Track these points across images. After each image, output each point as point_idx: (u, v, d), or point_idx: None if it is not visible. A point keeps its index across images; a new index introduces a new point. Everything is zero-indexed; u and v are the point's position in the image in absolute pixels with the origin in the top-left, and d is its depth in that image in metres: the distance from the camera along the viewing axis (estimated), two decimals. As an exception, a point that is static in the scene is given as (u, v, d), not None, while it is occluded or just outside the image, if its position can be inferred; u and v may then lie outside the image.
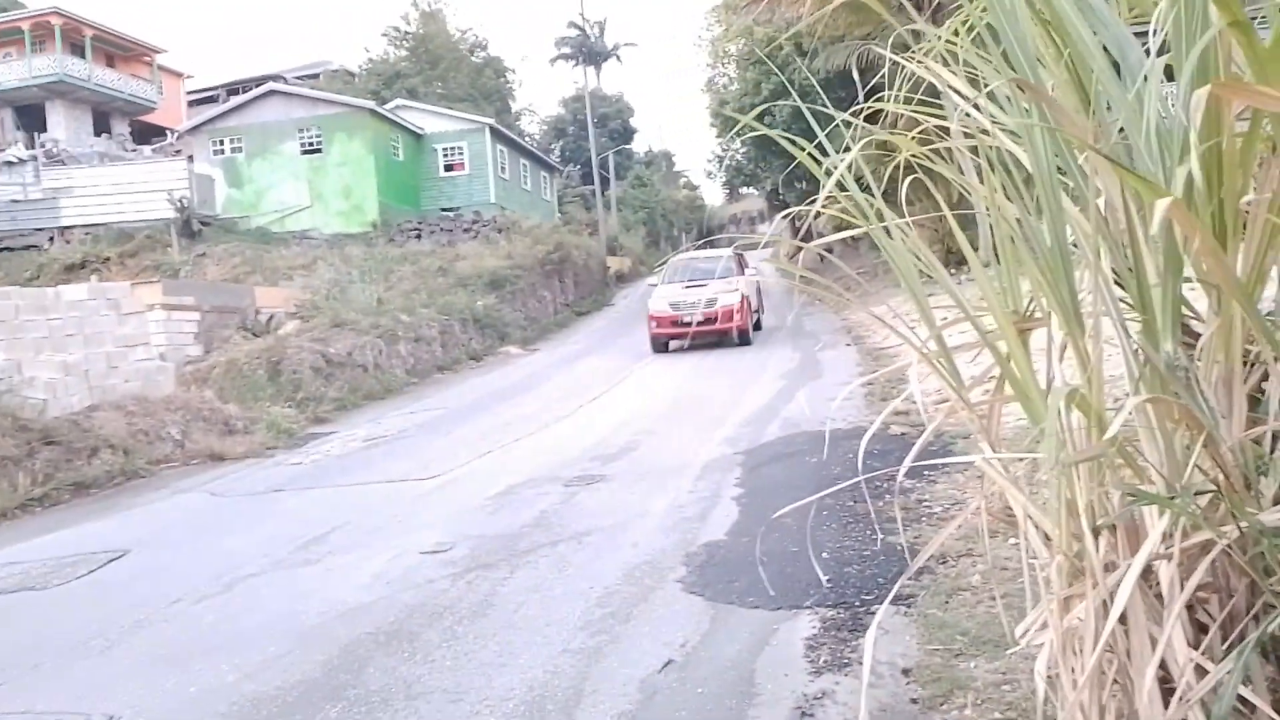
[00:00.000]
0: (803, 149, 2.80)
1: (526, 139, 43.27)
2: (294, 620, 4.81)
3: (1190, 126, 1.61)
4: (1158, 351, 2.20)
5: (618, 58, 53.69)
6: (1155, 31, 2.00)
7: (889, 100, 2.86)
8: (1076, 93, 2.41)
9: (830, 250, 3.07)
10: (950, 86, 2.64)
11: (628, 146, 56.05)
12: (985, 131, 2.48)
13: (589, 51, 51.41)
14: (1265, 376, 2.25)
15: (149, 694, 4.04)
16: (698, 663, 3.83)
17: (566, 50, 51.65)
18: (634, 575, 5.01)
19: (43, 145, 32.86)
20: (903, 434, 7.31)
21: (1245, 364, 2.22)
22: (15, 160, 29.97)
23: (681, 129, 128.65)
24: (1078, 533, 2.29)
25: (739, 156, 38.92)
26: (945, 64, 2.69)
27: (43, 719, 3.92)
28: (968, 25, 2.70)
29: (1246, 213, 2.04)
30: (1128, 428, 2.51)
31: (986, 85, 2.59)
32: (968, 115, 2.59)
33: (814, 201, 2.84)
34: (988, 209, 2.59)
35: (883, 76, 3.12)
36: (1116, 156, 2.13)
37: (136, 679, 4.22)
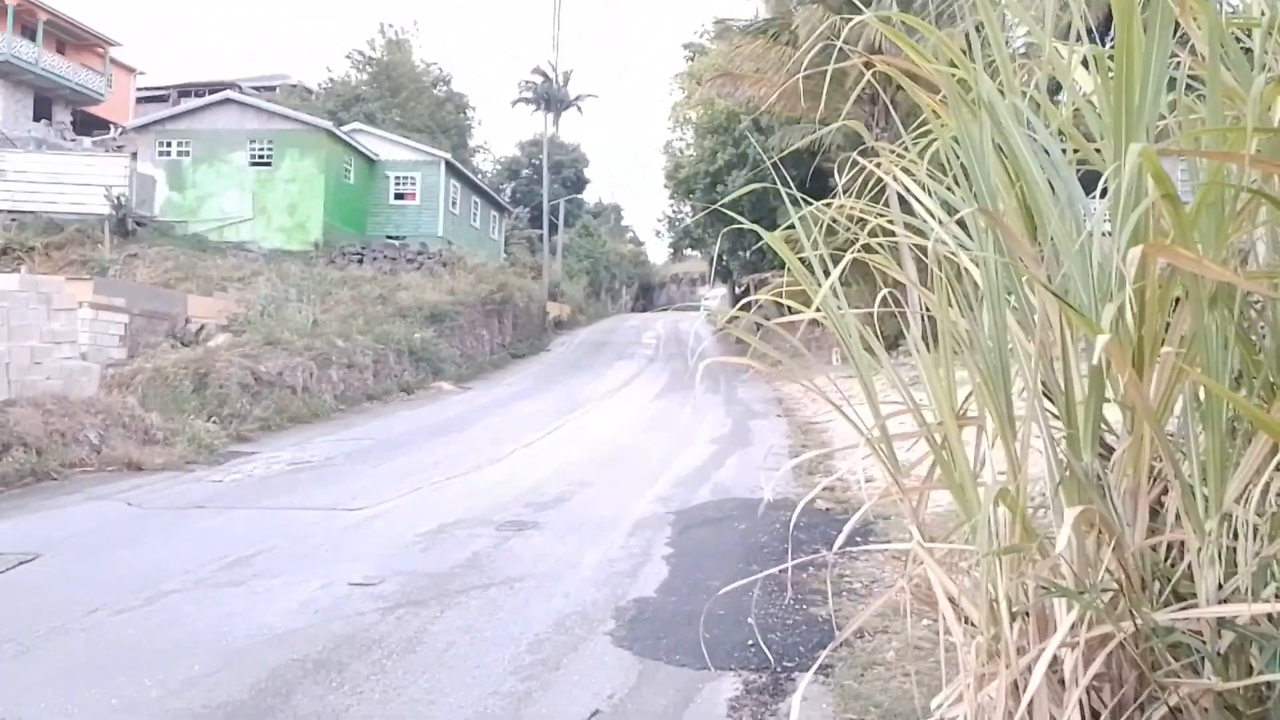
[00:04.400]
0: (753, 224, 3.07)
1: (480, 176, 43.48)
2: (219, 640, 4.77)
3: (1126, 278, 1.91)
4: (1079, 460, 2.49)
5: (578, 108, 54.58)
6: (1101, 187, 2.32)
7: (846, 195, 3.13)
8: (1024, 220, 2.75)
9: (767, 319, 3.27)
10: (906, 193, 2.96)
11: (579, 196, 56.72)
12: (928, 237, 2.77)
13: (551, 98, 52.14)
14: (1165, 491, 2.56)
15: (69, 702, 3.97)
16: (625, 715, 3.96)
17: (529, 95, 52.29)
18: (564, 624, 5.11)
19: (-25, 124, 31.74)
20: (828, 509, 7.60)
21: (1149, 478, 2.53)
22: (-55, 136, 28.87)
23: (633, 186, 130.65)
24: (995, 617, 2.54)
25: (687, 219, 39.81)
26: (904, 171, 3.01)
27: (-49, 721, 3.82)
28: (925, 146, 3.03)
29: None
30: (1044, 525, 2.80)
31: (937, 199, 2.91)
32: (913, 218, 2.89)
33: (760, 272, 3.10)
34: (927, 311, 2.88)
35: (833, 161, 3.44)
36: (1059, 287, 2.44)
37: (55, 687, 4.14)
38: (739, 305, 3.19)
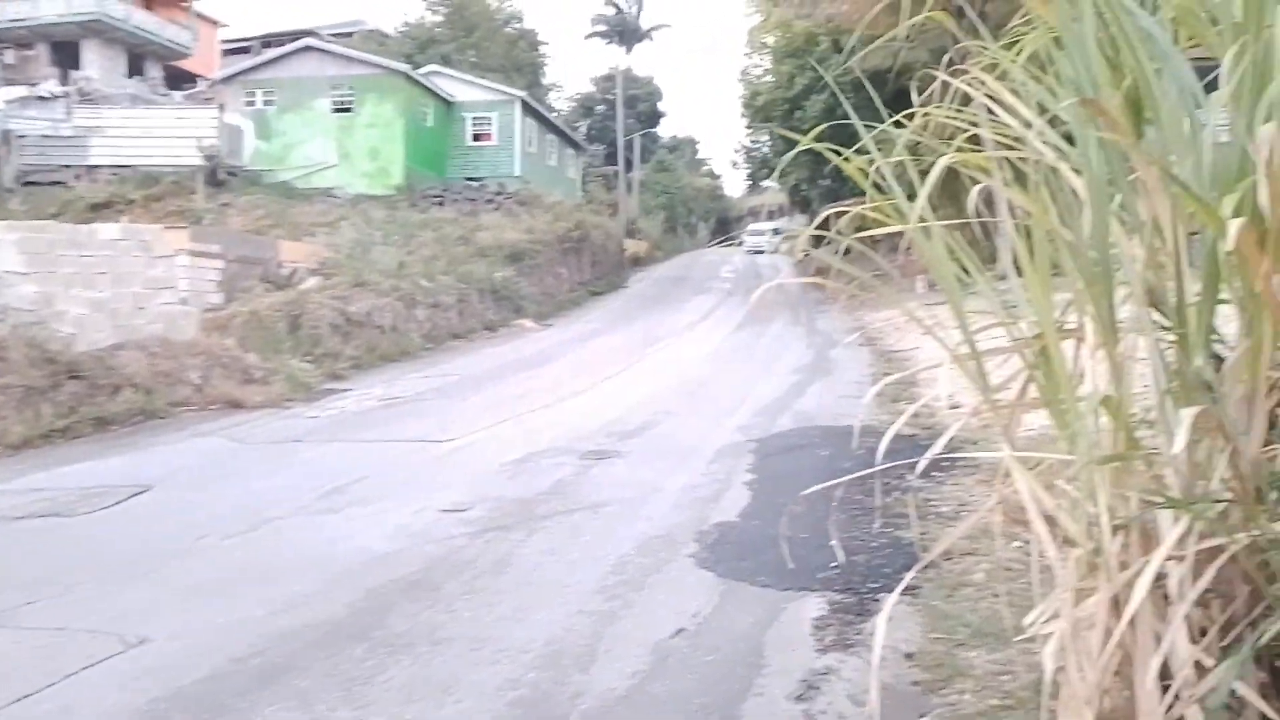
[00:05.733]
0: (836, 151, 2.93)
1: (554, 114, 43.28)
2: (320, 563, 4.99)
3: (1258, 162, 1.75)
4: (1189, 366, 2.34)
5: (651, 38, 53.54)
6: (1221, 71, 2.13)
7: (932, 107, 2.97)
8: (1130, 118, 2.54)
9: (847, 251, 3.13)
10: (997, 102, 2.77)
11: (653, 130, 55.96)
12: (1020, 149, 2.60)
13: (624, 30, 51.24)
14: (1280, 401, 2.38)
15: (180, 621, 4.22)
16: (709, 632, 3.99)
17: (602, 28, 51.51)
18: (648, 547, 5.17)
19: (75, 83, 32.99)
20: (913, 435, 7.42)
21: (1267, 387, 2.35)
22: (48, 95, 30.11)
23: (708, 117, 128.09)
24: (1094, 531, 2.43)
25: (764, 149, 38.92)
26: (996, 78, 2.82)
27: (79, 636, 4.09)
28: (1018, 51, 2.83)
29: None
30: (1148, 436, 2.65)
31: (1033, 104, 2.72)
32: (1005, 124, 2.72)
33: (840, 199, 2.96)
34: (1019, 221, 2.72)
35: (915, 80, 3.26)
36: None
37: (168, 607, 4.40)
38: (815, 235, 3.09)
